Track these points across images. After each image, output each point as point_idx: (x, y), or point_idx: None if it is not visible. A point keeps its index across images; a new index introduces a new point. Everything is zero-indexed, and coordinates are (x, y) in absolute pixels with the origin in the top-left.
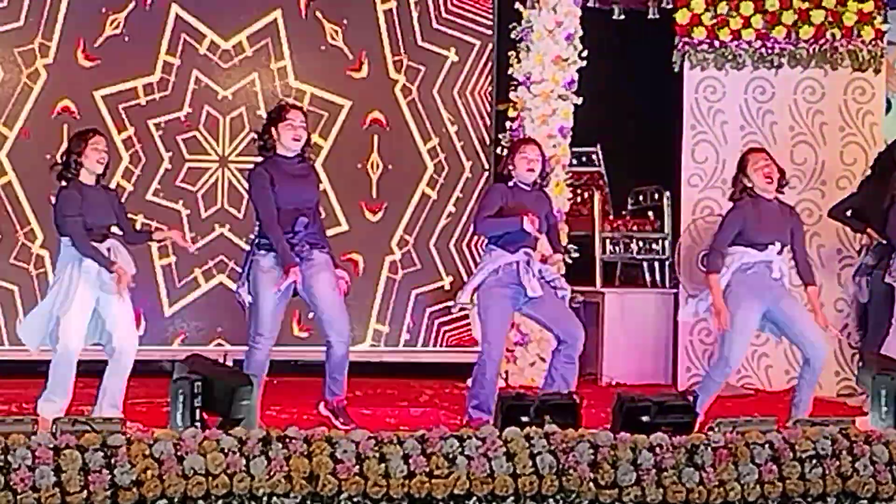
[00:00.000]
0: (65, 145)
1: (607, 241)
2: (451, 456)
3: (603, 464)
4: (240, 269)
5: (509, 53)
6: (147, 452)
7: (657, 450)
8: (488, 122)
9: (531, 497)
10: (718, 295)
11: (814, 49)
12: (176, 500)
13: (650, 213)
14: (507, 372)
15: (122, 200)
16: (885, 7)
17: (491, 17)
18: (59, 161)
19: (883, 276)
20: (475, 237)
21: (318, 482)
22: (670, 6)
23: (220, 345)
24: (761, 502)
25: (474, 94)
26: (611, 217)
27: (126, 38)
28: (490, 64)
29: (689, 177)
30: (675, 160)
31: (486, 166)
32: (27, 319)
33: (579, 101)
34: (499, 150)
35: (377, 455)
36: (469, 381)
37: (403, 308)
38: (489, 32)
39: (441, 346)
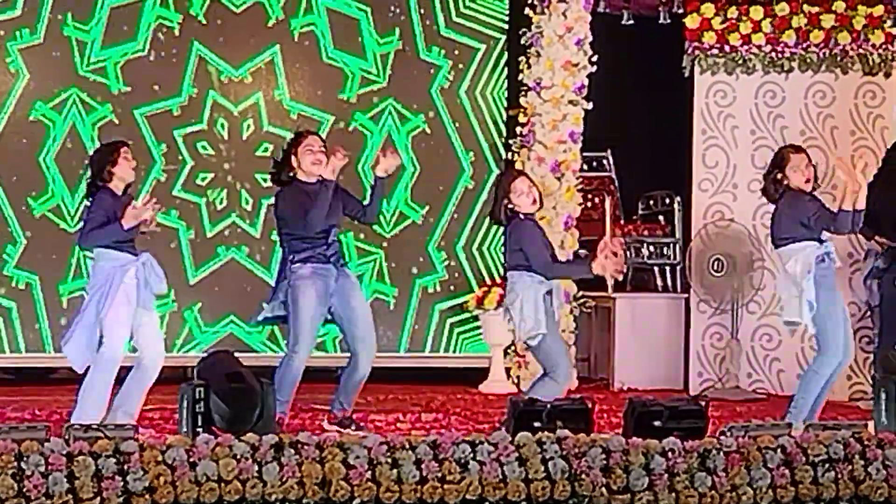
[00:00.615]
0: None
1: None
2: (463, 461)
3: (615, 469)
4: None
5: (519, 59)
6: (160, 458)
7: (669, 454)
8: (501, 128)
9: (543, 502)
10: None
11: (824, 53)
12: None
13: (661, 218)
14: (518, 378)
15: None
16: (894, 11)
17: (506, 19)
18: (91, 174)
19: (893, 281)
20: (487, 241)
21: (331, 488)
22: (680, 11)
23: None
24: None
25: (486, 96)
26: (621, 222)
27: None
28: (501, 68)
29: (700, 181)
30: (686, 165)
31: (497, 170)
32: (74, 336)
33: (590, 106)
34: (509, 156)
35: (389, 460)
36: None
37: (418, 313)
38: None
39: (456, 351)
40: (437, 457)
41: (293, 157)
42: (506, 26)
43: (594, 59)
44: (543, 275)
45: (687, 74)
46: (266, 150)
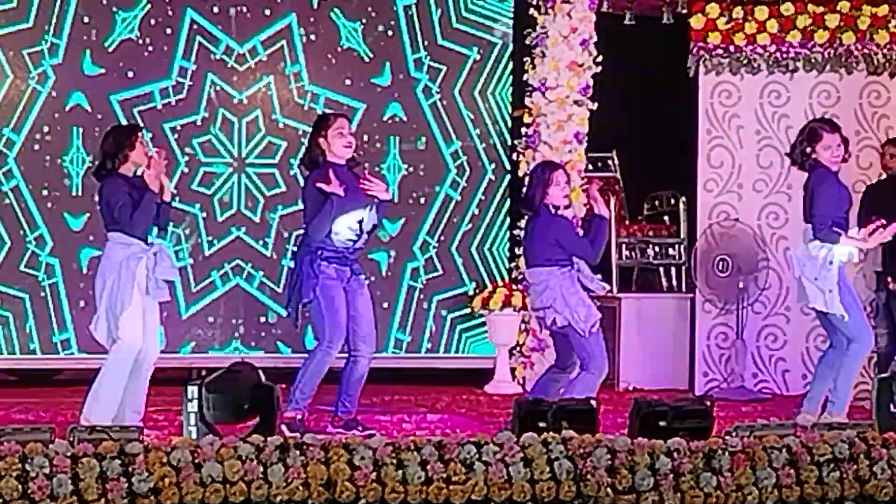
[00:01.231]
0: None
1: (623, 246)
2: (468, 462)
3: (620, 469)
4: (255, 271)
5: (524, 59)
6: (165, 460)
7: (675, 455)
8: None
9: (549, 502)
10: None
11: (829, 53)
12: None
13: (666, 218)
14: (524, 378)
15: None
16: None
17: (510, 19)
18: (102, 155)
19: None
20: (495, 241)
21: (336, 489)
22: (685, 11)
23: (236, 349)
24: None
25: (491, 96)
26: (627, 222)
27: (140, 42)
28: (507, 67)
29: (705, 181)
30: (691, 165)
31: (501, 170)
32: (100, 322)
33: (595, 106)
34: (514, 156)
35: (395, 461)
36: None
37: (424, 314)
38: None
39: (462, 352)
40: (442, 457)
41: (323, 141)
42: (511, 26)
43: (599, 59)
44: (592, 261)
45: (692, 75)
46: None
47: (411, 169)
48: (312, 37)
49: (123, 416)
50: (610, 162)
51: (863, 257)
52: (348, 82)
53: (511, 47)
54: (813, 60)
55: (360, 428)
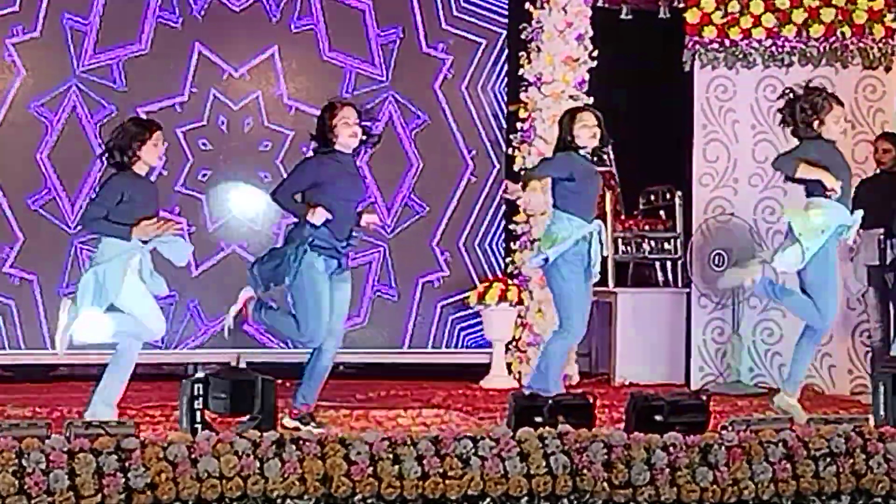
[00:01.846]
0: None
1: (619, 240)
2: (464, 457)
3: (617, 463)
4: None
5: (520, 54)
6: (161, 455)
7: (671, 449)
8: (502, 123)
9: (545, 497)
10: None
11: (824, 47)
12: (190, 502)
13: (662, 213)
14: (519, 373)
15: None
16: (895, 4)
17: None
18: (112, 146)
19: None
20: (491, 237)
21: (332, 484)
22: (681, 6)
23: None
24: (776, 501)
25: (486, 91)
26: (622, 217)
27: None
28: (502, 62)
29: (701, 176)
30: (687, 159)
31: (497, 165)
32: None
33: (590, 101)
34: (510, 151)
35: (391, 456)
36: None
37: (420, 309)
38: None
39: (458, 346)
40: (438, 452)
41: (330, 129)
42: (506, 21)
43: (594, 54)
44: None
45: (687, 69)
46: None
47: (408, 164)
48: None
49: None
50: (605, 156)
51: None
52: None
53: (507, 42)
54: (808, 54)
55: (312, 424)
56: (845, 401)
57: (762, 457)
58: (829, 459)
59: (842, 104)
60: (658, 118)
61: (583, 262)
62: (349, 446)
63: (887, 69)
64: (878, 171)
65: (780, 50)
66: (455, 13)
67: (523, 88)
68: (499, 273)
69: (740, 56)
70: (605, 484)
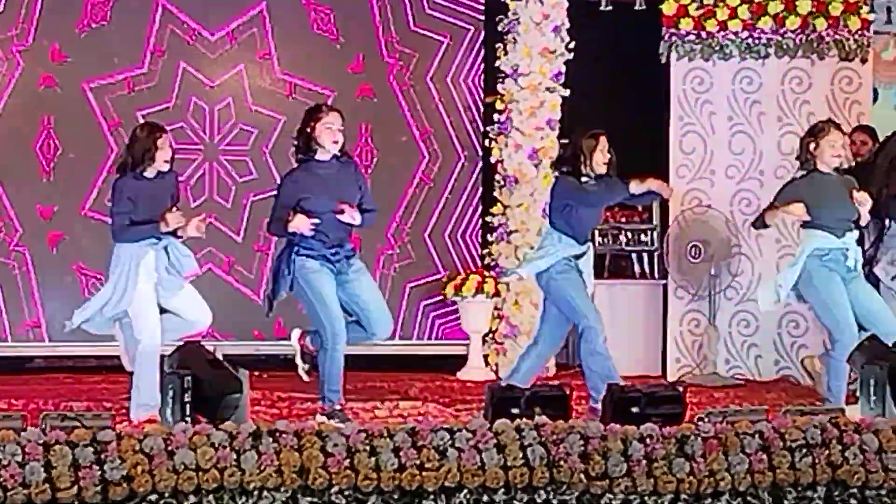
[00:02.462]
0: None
1: (596, 232)
2: (441, 448)
3: (593, 455)
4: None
5: (496, 46)
6: (137, 448)
7: (647, 440)
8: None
9: (522, 489)
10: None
11: (800, 39)
12: (166, 494)
13: (638, 205)
14: (496, 364)
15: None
16: None
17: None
18: (127, 158)
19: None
20: (468, 228)
21: (309, 476)
22: None
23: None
24: (752, 492)
25: (466, 82)
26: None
27: (111, 30)
28: (479, 54)
29: (678, 168)
30: (663, 151)
31: (476, 156)
32: (88, 306)
33: (567, 93)
34: (486, 142)
35: (368, 448)
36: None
37: (396, 301)
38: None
39: (435, 338)
40: (415, 444)
41: (312, 133)
42: (482, 12)
43: (571, 45)
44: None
45: (664, 61)
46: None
47: (384, 155)
48: (284, 24)
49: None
50: None
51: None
52: (320, 69)
53: (483, 33)
54: (785, 46)
55: (338, 418)
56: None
57: (738, 448)
58: (805, 451)
59: (841, 131)
60: (635, 110)
61: (575, 268)
62: (326, 438)
63: (863, 61)
64: (852, 164)
65: (756, 42)
66: (432, 5)
67: (500, 80)
68: (476, 265)
69: (717, 48)
70: (582, 475)
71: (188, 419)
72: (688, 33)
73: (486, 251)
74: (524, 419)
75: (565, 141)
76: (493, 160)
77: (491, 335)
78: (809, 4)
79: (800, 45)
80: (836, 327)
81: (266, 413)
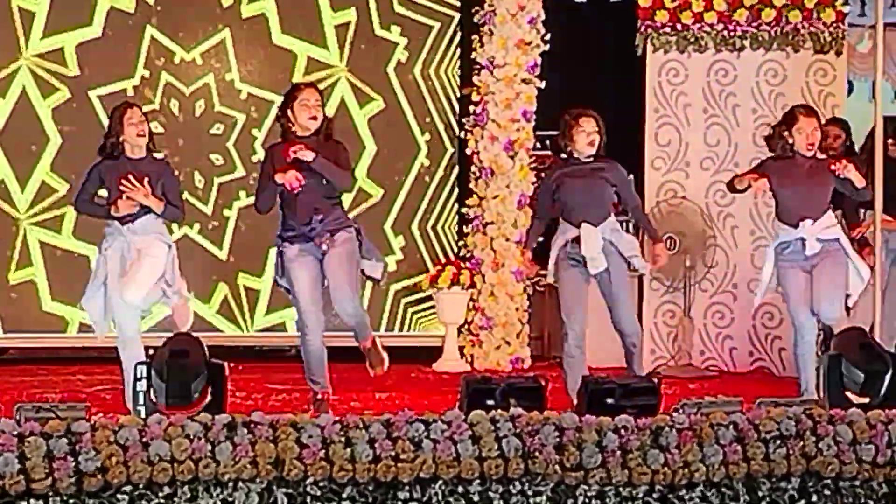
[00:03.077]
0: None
1: None
2: (416, 440)
3: (568, 446)
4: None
5: (473, 37)
6: (112, 439)
7: (622, 432)
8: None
9: (497, 480)
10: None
11: (776, 31)
12: (141, 486)
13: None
14: (472, 356)
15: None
16: None
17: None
18: (103, 142)
19: None
20: (444, 220)
21: (284, 467)
22: None
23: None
24: (726, 483)
25: (439, 74)
26: None
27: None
28: (456, 45)
29: (653, 159)
30: (639, 143)
31: (450, 148)
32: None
33: (543, 84)
34: (462, 134)
35: (343, 439)
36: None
37: (371, 292)
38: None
39: (410, 330)
40: (390, 435)
41: (290, 112)
42: (459, 4)
43: (547, 37)
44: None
45: (639, 53)
46: (219, 129)
47: (361, 148)
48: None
49: None
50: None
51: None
52: (280, 76)
53: (459, 25)
54: (760, 38)
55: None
56: (796, 383)
57: (713, 439)
58: (779, 442)
59: (816, 116)
60: (610, 102)
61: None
62: (301, 429)
63: (838, 53)
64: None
65: (731, 34)
66: None
67: (476, 72)
68: (451, 257)
69: (692, 40)
70: (557, 466)
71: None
72: (663, 25)
73: (461, 243)
74: (499, 410)
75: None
76: (468, 152)
77: (466, 327)
78: None
79: (775, 38)
80: (793, 319)
81: (242, 404)
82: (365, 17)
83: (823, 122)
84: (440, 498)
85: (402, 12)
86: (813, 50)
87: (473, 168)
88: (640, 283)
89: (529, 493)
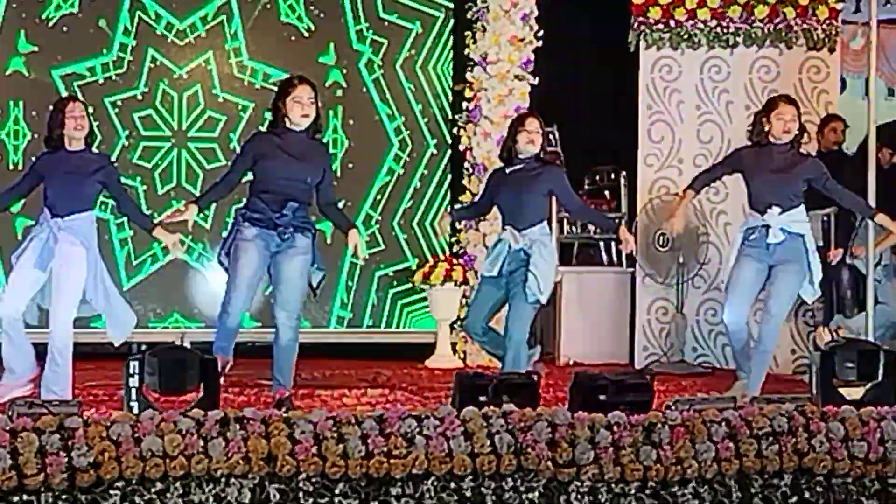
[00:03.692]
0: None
1: (564, 221)
2: (409, 436)
3: (561, 442)
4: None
5: (466, 33)
6: (104, 434)
7: (615, 428)
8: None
9: (489, 476)
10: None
11: (769, 28)
12: (133, 481)
13: (607, 193)
14: (465, 352)
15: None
16: None
17: None
18: (47, 139)
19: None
20: (430, 216)
21: (277, 463)
22: None
23: (177, 323)
24: (718, 479)
25: (436, 70)
26: None
27: (80, 18)
28: (449, 42)
29: (646, 156)
30: (632, 140)
31: (443, 144)
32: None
33: (536, 81)
34: (455, 130)
35: (335, 435)
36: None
37: (365, 289)
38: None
39: (403, 326)
40: (383, 431)
41: (282, 106)
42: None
43: (540, 33)
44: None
45: (632, 49)
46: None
47: (353, 143)
48: (252, 11)
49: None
50: (551, 136)
51: None
52: (288, 56)
53: (452, 21)
54: (753, 35)
55: (283, 410)
56: (788, 380)
57: (705, 436)
58: (771, 438)
59: (794, 105)
60: (603, 98)
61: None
62: (293, 425)
63: (831, 50)
64: (824, 150)
65: (724, 31)
66: None
67: (469, 68)
68: (444, 253)
69: (685, 37)
70: (549, 463)
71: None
72: (656, 22)
73: (454, 239)
74: (492, 407)
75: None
76: (461, 148)
77: (459, 323)
78: None
79: (768, 34)
80: (723, 311)
81: (234, 400)
82: (358, 13)
83: (823, 116)
84: (432, 494)
85: (395, 8)
86: (806, 47)
87: (466, 164)
88: (632, 280)
89: (522, 489)
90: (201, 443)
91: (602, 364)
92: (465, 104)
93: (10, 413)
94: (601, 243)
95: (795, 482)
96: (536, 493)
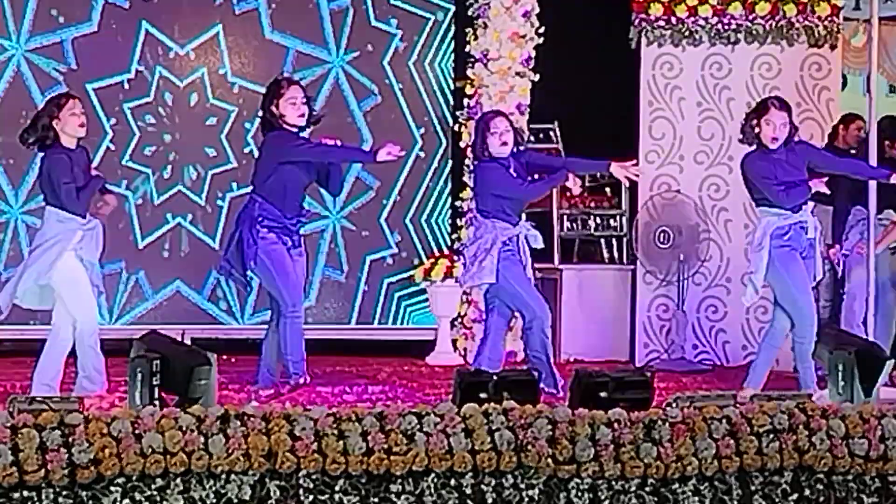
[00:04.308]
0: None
1: (565, 217)
2: (409, 433)
3: (561, 439)
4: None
5: (466, 30)
6: (105, 431)
7: (615, 425)
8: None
9: (489, 473)
10: None
11: (770, 25)
12: (134, 478)
13: (608, 190)
14: (465, 349)
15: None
16: None
17: None
18: (32, 129)
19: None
20: (438, 213)
21: (277, 459)
22: None
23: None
24: (719, 477)
25: (434, 67)
26: (568, 194)
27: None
28: (450, 38)
29: (647, 153)
30: (633, 137)
31: (444, 141)
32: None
33: (536, 77)
34: (456, 127)
35: (336, 432)
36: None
37: (365, 285)
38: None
39: (403, 323)
40: (383, 428)
41: (275, 109)
42: None
43: (541, 30)
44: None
45: (634, 46)
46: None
47: (358, 141)
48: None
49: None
50: (552, 133)
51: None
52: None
53: (454, 18)
54: (754, 32)
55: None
56: (789, 377)
57: (706, 433)
58: (772, 436)
59: (785, 109)
60: (604, 95)
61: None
62: (294, 422)
63: (832, 47)
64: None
65: (726, 28)
66: None
67: (470, 65)
68: (445, 249)
69: (686, 33)
70: (550, 460)
71: (156, 402)
72: (657, 19)
73: (455, 235)
74: (492, 403)
75: (536, 126)
76: (462, 144)
77: (459, 320)
78: None
79: (769, 32)
80: (799, 312)
81: (234, 397)
82: (360, 10)
83: (841, 116)
84: (432, 491)
85: (397, 4)
86: (807, 44)
87: (467, 161)
88: (633, 277)
89: (522, 486)
90: (202, 439)
91: (602, 361)
92: (465, 101)
93: (10, 409)
94: (602, 240)
95: (796, 479)
96: (536, 490)
